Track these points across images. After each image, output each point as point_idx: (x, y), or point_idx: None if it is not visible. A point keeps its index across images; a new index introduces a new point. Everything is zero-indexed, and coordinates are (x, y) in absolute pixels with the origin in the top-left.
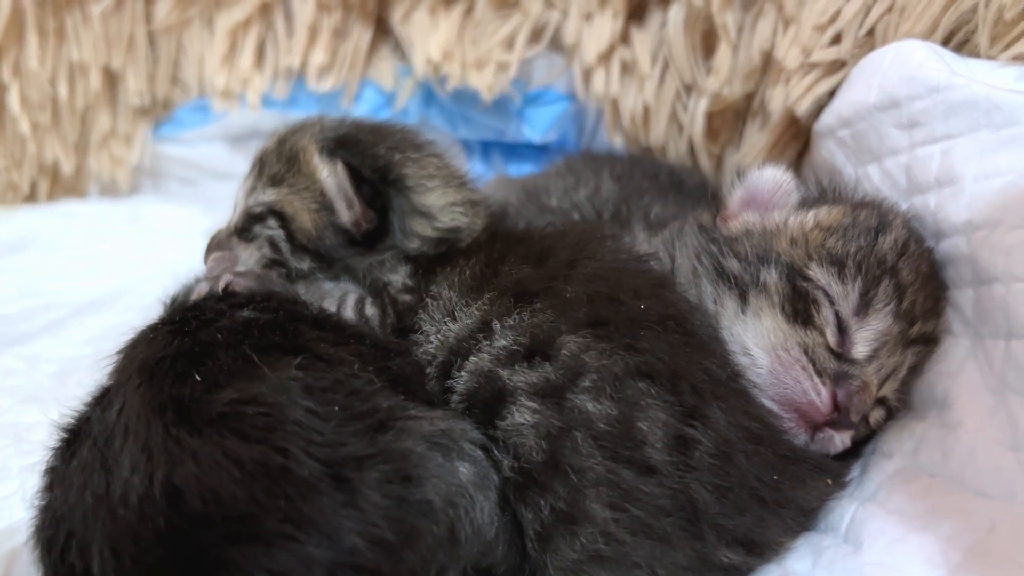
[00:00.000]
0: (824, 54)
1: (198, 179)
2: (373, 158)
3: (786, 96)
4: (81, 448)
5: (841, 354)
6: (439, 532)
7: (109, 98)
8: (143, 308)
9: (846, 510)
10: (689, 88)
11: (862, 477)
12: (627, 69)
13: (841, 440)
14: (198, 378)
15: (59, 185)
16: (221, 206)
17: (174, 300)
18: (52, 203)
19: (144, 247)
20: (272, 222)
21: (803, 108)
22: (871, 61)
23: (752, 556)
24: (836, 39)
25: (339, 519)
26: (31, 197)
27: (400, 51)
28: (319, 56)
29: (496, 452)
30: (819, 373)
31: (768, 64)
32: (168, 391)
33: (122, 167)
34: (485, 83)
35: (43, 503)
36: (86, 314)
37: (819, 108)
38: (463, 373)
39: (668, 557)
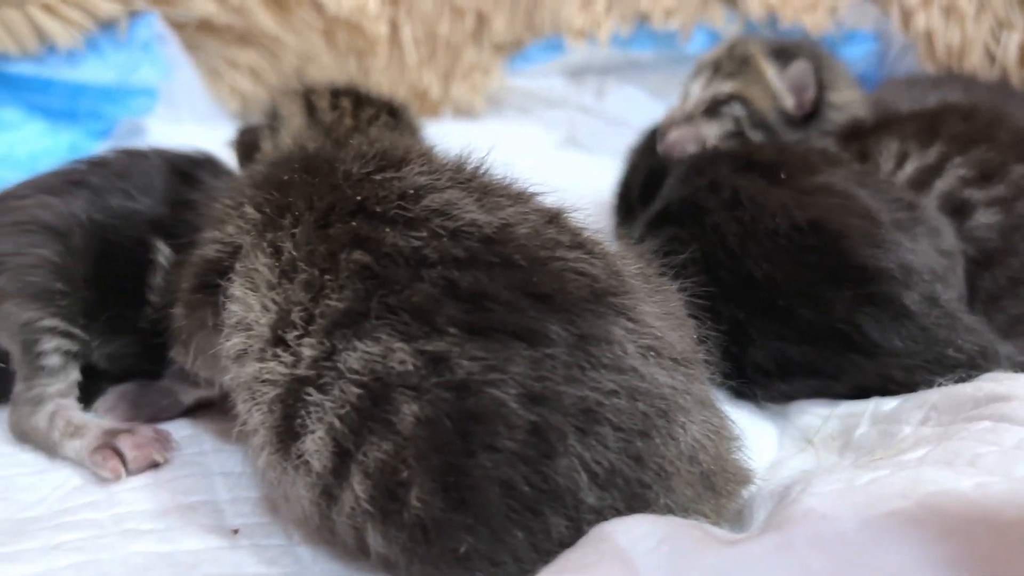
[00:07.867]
0: None
1: (532, 107)
2: None
3: None
4: (702, 218)
5: None
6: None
7: (477, 37)
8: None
9: None
10: (1002, 24)
11: None
12: (943, 10)
13: None
14: (783, 176)
15: (423, 108)
16: (557, 128)
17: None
18: None
19: (512, 154)
20: (736, 105)
21: None
22: None
23: None
24: None
25: (912, 242)
26: None
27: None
28: (668, 2)
29: None
30: None
31: None
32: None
33: (479, 94)
34: (814, 23)
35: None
36: None
37: None
38: (933, 194)
39: None
